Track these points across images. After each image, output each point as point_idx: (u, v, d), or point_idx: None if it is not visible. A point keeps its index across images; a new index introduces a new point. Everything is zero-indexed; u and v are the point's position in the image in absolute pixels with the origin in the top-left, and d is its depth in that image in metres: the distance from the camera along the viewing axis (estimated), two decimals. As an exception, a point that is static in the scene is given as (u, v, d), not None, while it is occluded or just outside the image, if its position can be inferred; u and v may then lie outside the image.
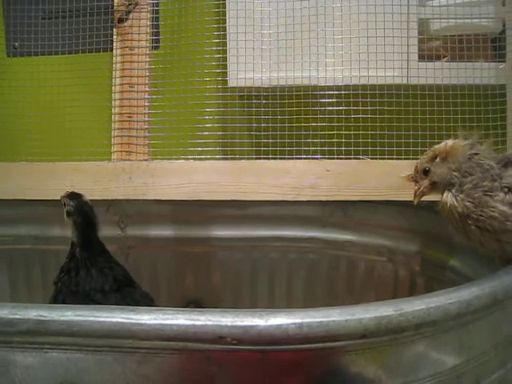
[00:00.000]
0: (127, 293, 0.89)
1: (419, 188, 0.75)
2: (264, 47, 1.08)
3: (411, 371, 0.46)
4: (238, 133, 1.12)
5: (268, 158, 1.03)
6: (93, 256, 0.89)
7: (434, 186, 0.73)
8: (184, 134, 1.09)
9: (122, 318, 0.41)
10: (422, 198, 0.77)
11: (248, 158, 1.02)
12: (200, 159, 1.04)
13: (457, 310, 0.45)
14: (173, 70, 1.20)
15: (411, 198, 0.95)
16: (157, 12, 1.22)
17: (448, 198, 0.68)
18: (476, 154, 0.68)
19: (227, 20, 1.12)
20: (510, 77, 1.00)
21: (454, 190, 0.68)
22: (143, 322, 0.41)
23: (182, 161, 1.02)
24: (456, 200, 0.67)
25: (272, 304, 1.19)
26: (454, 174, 0.68)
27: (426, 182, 0.74)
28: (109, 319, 0.42)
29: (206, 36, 1.16)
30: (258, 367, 0.42)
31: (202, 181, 0.99)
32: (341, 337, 0.41)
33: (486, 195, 0.64)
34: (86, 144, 1.09)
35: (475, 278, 0.91)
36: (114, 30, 1.06)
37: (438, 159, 0.72)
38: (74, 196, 0.91)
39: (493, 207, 0.63)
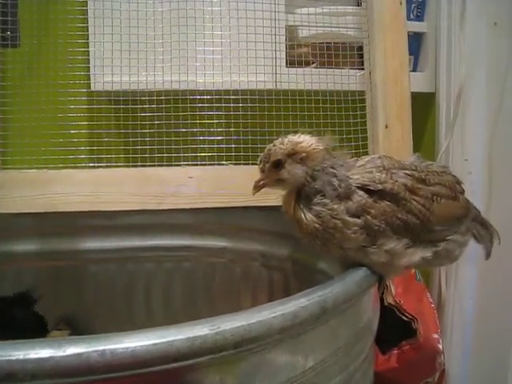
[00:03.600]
0: None
1: (263, 179, 0.68)
2: (127, 49, 1.03)
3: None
4: (105, 139, 1.06)
5: (136, 166, 0.99)
6: None
7: (280, 183, 0.68)
8: (45, 141, 1.02)
9: None
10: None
11: (111, 166, 0.97)
12: (63, 168, 0.97)
13: (281, 324, 0.44)
14: (33, 71, 1.12)
15: (277, 203, 0.97)
16: (13, 6, 1.13)
17: (298, 212, 0.65)
18: (329, 166, 0.64)
19: (88, 19, 1.06)
20: (368, 83, 1.04)
21: (302, 205, 0.65)
22: None
23: (36, 170, 0.94)
24: (306, 218, 0.64)
25: (150, 316, 1.15)
26: (308, 180, 0.64)
27: (273, 176, 0.67)
28: None
29: (69, 36, 1.09)
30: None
31: (58, 191, 0.92)
32: (150, 362, 0.38)
33: (332, 216, 0.62)
34: None
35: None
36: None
37: (296, 157, 0.65)
38: None
39: (337, 217, 0.62)
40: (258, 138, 0.99)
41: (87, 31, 1.07)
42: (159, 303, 1.16)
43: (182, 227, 1.09)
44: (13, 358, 0.35)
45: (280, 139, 0.68)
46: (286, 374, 0.48)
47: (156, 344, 0.38)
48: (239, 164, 0.96)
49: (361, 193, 0.62)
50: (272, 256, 1.08)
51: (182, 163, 0.95)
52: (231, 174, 0.94)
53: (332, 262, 0.95)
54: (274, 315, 0.43)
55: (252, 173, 0.95)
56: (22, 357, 0.35)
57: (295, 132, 0.70)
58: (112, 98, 1.06)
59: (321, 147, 0.65)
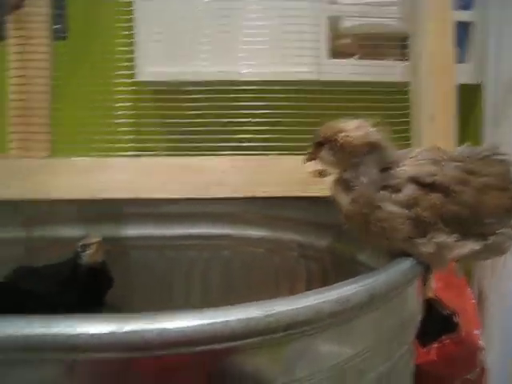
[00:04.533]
0: None
1: (311, 154, 0.69)
2: (173, 40, 1.05)
3: (290, 371, 0.46)
4: (150, 129, 1.08)
5: (180, 155, 1.00)
6: None
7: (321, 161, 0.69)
8: (92, 130, 1.05)
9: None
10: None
11: (156, 155, 0.99)
12: (108, 156, 1.00)
13: (330, 309, 0.44)
14: (81, 63, 1.15)
15: (319, 193, 0.97)
16: (63, 0, 1.17)
17: (337, 194, 0.66)
18: (373, 159, 0.63)
19: (135, 11, 1.09)
20: (412, 75, 1.03)
21: (342, 187, 0.65)
22: None
23: (85, 158, 0.97)
24: (344, 198, 0.64)
25: (188, 303, 1.17)
26: (344, 169, 0.65)
27: (316, 154, 0.68)
28: None
29: (115, 28, 1.12)
30: (122, 376, 0.39)
31: (105, 179, 0.95)
32: (204, 340, 0.39)
33: (374, 197, 0.62)
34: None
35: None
36: (9, 17, 0.99)
37: (333, 144, 0.65)
38: None
39: (381, 208, 0.62)
40: (302, 128, 0.99)
41: (133, 23, 1.09)
42: (197, 291, 1.18)
43: (222, 216, 1.10)
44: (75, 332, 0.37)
45: (333, 121, 0.68)
46: (332, 360, 0.49)
47: (212, 323, 0.39)
48: (282, 155, 0.97)
49: (411, 185, 0.62)
50: (310, 246, 1.08)
51: (225, 153, 0.96)
52: (274, 165, 0.94)
53: (372, 252, 0.95)
54: (323, 300, 0.44)
55: (294, 164, 0.97)
56: (86, 331, 0.36)
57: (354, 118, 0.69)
58: (156, 87, 1.08)
59: (365, 140, 0.64)
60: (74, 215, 1.10)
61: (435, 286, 1.05)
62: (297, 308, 0.42)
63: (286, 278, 1.13)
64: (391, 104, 1.07)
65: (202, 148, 0.99)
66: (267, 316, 0.40)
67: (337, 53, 1.15)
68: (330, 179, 0.95)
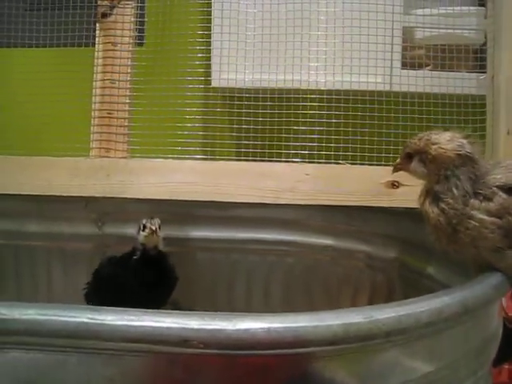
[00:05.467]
0: None
1: (399, 164, 0.72)
2: (248, 48, 1.07)
3: (381, 378, 0.46)
4: (218, 133, 1.11)
5: (248, 160, 1.02)
6: None
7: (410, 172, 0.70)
8: (164, 133, 1.08)
9: (87, 318, 0.40)
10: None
11: (228, 159, 1.01)
12: (179, 158, 1.03)
13: (428, 318, 0.44)
14: (156, 68, 1.19)
15: (390, 204, 0.97)
16: (142, 8, 1.21)
17: (426, 205, 0.67)
18: (464, 172, 0.64)
19: (212, 20, 1.12)
20: (490, 87, 1.01)
21: (430, 199, 0.66)
22: (107, 322, 0.40)
23: (161, 159, 1.00)
24: (433, 210, 0.65)
25: (249, 306, 1.18)
26: (434, 180, 0.66)
27: (404, 165, 0.70)
28: (72, 319, 0.40)
29: (190, 35, 1.15)
30: (225, 372, 0.41)
31: (179, 180, 0.98)
32: (309, 343, 0.40)
33: (464, 205, 0.63)
34: (64, 139, 1.06)
35: (450, 285, 0.92)
36: (97, 24, 1.04)
37: (424, 156, 0.66)
38: None
39: (471, 217, 0.62)
40: (375, 139, 1.00)
41: (210, 30, 1.12)
42: (259, 296, 1.18)
43: (288, 222, 1.10)
44: (188, 326, 0.38)
45: (425, 133, 0.69)
46: (422, 370, 0.49)
47: (316, 326, 0.40)
48: (355, 164, 0.97)
49: (503, 194, 0.62)
50: (377, 257, 1.07)
51: (298, 160, 0.97)
52: (346, 174, 0.95)
53: (441, 267, 0.94)
54: (421, 309, 0.44)
55: (367, 173, 0.98)
56: (196, 326, 0.38)
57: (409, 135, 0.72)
58: (227, 94, 1.11)
59: (457, 153, 0.64)
60: (144, 215, 1.14)
61: (506, 303, 1.02)
62: (398, 315, 0.42)
63: (348, 287, 1.12)
64: (464, 117, 1.06)
65: (274, 155, 1.00)
66: (370, 322, 0.41)
67: (409, 64, 1.14)
68: (402, 191, 0.96)
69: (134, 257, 0.89)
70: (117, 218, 1.13)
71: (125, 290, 0.91)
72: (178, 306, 1.18)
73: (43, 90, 1.08)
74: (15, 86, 1.13)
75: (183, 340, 0.38)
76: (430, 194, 0.66)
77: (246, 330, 0.39)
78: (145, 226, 0.89)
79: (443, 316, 0.46)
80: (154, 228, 0.88)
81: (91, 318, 0.40)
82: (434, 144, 0.65)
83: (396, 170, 0.73)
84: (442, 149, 0.65)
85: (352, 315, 0.41)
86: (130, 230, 1.15)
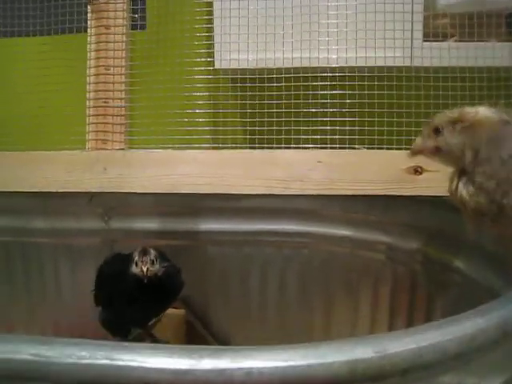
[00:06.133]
0: None
1: (420, 145, 0.65)
2: (252, 25, 0.99)
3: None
4: (222, 120, 1.03)
5: (255, 148, 0.95)
6: None
7: (437, 152, 0.63)
8: (165, 121, 1.01)
9: (32, 354, 0.32)
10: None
11: (233, 148, 0.94)
12: (181, 148, 0.96)
13: (456, 349, 0.36)
14: (159, 51, 1.12)
15: (413, 193, 0.88)
16: (142, -8, 1.14)
17: (459, 188, 0.60)
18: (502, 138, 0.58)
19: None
20: (526, 57, 0.90)
21: (464, 180, 0.60)
22: (53, 360, 0.32)
23: (162, 150, 0.94)
24: (467, 193, 0.59)
25: (264, 301, 1.12)
26: (468, 153, 0.59)
27: (430, 143, 0.63)
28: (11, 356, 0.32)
29: (192, 14, 1.07)
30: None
31: (182, 172, 0.92)
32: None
33: (500, 189, 0.56)
34: (60, 132, 1.01)
35: (482, 281, 0.84)
36: (89, 7, 0.97)
37: (458, 126, 0.60)
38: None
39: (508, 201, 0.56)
40: (395, 120, 0.90)
41: (212, 9, 1.04)
42: (274, 289, 1.13)
43: (304, 212, 1.04)
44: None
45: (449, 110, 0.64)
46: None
47: (311, 365, 0.32)
48: (373, 148, 0.88)
49: None
50: (399, 249, 1.00)
51: (310, 146, 0.89)
52: (363, 160, 0.87)
53: (474, 260, 0.86)
54: (449, 338, 0.35)
55: (386, 158, 0.89)
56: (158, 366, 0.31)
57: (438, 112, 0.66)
58: (236, 75, 1.03)
59: (495, 119, 0.59)
60: (150, 208, 1.09)
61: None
62: (418, 347, 0.33)
63: (368, 281, 1.06)
64: (496, 93, 0.95)
65: (283, 141, 0.92)
66: (383, 357, 0.32)
67: (432, 35, 1.04)
68: (425, 177, 0.87)
69: (131, 274, 0.83)
70: (123, 212, 1.10)
71: (126, 290, 0.86)
72: (188, 304, 1.14)
73: (36, 80, 1.03)
74: (4, 76, 1.08)
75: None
76: (463, 174, 0.60)
77: (221, 372, 0.31)
78: (137, 264, 0.83)
79: (476, 344, 0.37)
80: (145, 269, 0.81)
81: (35, 355, 0.32)
82: (470, 112, 0.60)
83: (415, 152, 0.66)
84: (481, 114, 0.60)
85: (359, 349, 0.33)
86: (137, 224, 1.12)
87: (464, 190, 0.60)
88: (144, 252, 0.84)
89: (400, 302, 1.01)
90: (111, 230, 1.10)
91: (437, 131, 0.62)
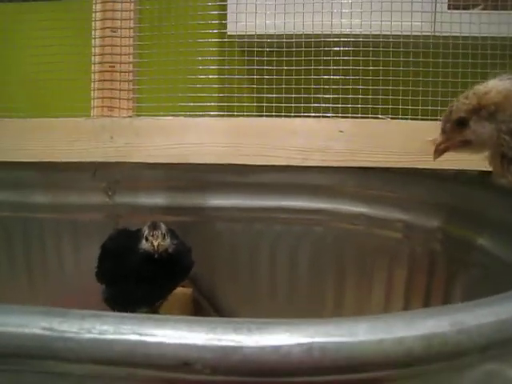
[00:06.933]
0: None
1: (444, 142, 0.60)
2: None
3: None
4: (237, 86, 0.98)
5: (271, 116, 0.90)
6: None
7: (466, 145, 0.59)
8: (175, 87, 0.96)
9: (41, 328, 0.27)
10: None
11: (248, 116, 0.88)
12: (192, 116, 0.91)
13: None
14: (169, 13, 1.06)
15: (439, 166, 0.84)
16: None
17: (504, 172, 0.56)
18: None
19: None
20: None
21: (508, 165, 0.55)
22: (69, 335, 0.27)
23: (171, 117, 0.88)
24: None
25: (273, 280, 1.08)
26: (507, 137, 0.54)
27: (456, 137, 0.59)
28: (20, 329, 0.28)
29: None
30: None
31: (193, 141, 0.86)
32: (372, 366, 0.27)
33: None
34: (64, 98, 0.97)
35: (508, 259, 0.80)
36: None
37: (483, 112, 0.55)
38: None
39: None
40: (420, 89, 0.86)
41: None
42: (284, 267, 1.09)
43: (317, 188, 0.99)
44: (189, 342, 0.26)
45: (465, 92, 0.58)
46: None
47: (382, 340, 0.27)
48: (397, 118, 0.83)
49: None
50: (418, 227, 0.95)
51: (330, 115, 0.84)
52: (387, 130, 0.82)
53: (500, 238, 0.82)
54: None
55: (411, 129, 0.84)
56: (200, 342, 0.25)
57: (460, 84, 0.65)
58: (246, 40, 0.97)
59: None
60: (157, 182, 1.04)
61: None
62: (500, 320, 0.28)
63: (384, 261, 1.01)
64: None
65: (302, 109, 0.87)
66: (460, 331, 0.27)
67: (456, 3, 0.99)
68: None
69: (141, 250, 0.78)
70: (128, 186, 1.05)
71: (134, 268, 0.82)
72: (195, 281, 1.10)
73: (42, 42, 0.97)
74: (7, 42, 1.02)
75: (183, 363, 0.26)
76: (505, 159, 0.55)
77: (276, 349, 0.26)
78: (147, 238, 0.78)
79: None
80: (156, 243, 0.77)
81: (47, 329, 0.27)
82: (487, 93, 0.55)
83: (441, 152, 0.62)
84: (501, 93, 0.55)
85: (432, 322, 0.28)
86: (143, 200, 1.07)
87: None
88: (154, 226, 0.79)
89: (416, 284, 0.97)
90: (116, 205, 1.05)
91: (460, 123, 0.58)
